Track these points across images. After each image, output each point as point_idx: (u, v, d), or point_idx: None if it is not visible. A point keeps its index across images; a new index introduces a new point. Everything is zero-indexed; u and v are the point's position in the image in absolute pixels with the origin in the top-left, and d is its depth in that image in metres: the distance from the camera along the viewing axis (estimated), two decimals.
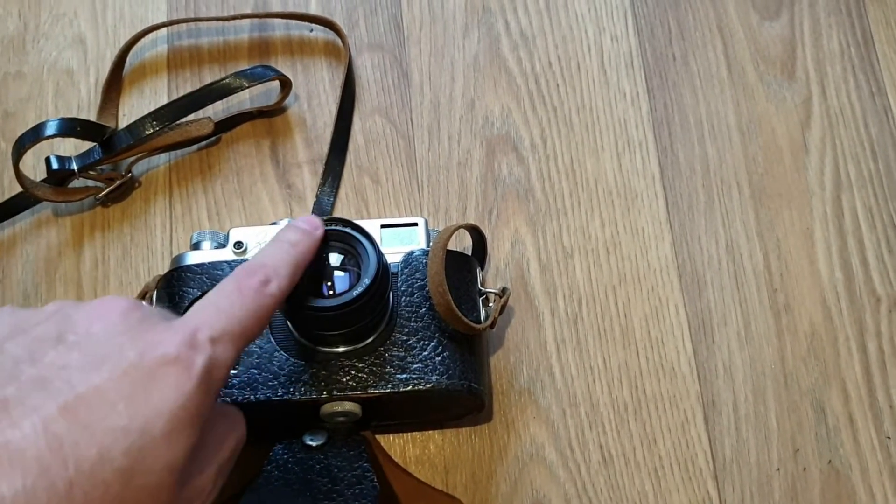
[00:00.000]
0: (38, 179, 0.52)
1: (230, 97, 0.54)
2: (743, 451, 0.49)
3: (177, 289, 0.45)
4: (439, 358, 0.43)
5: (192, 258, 0.46)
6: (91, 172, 0.52)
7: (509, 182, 0.54)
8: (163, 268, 0.51)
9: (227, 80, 0.53)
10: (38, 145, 0.51)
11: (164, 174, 0.54)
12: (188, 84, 0.56)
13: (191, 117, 0.53)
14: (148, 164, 0.55)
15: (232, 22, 0.57)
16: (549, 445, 0.49)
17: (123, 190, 0.53)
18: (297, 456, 0.44)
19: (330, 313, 0.40)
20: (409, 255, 0.45)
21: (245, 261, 0.45)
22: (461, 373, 0.44)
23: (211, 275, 0.45)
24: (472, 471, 0.48)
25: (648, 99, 0.56)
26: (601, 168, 0.54)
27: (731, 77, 0.56)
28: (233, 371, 0.42)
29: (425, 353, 0.43)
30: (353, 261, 0.41)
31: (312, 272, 0.40)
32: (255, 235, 0.46)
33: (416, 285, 0.45)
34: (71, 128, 0.51)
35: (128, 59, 0.56)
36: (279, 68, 0.55)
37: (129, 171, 0.53)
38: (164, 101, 0.55)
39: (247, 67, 0.54)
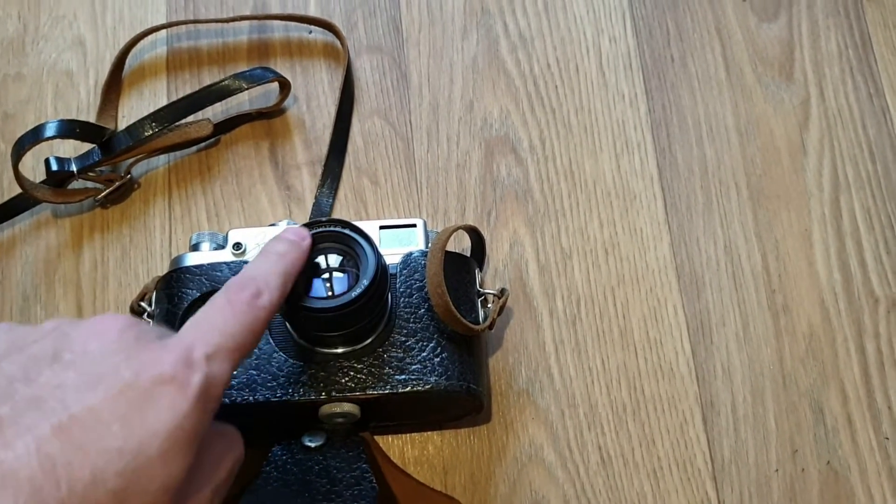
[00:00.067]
0: (38, 181, 0.52)
1: (229, 99, 0.54)
2: (741, 452, 0.49)
3: (176, 290, 0.45)
4: (438, 359, 0.43)
5: (192, 259, 0.46)
6: (90, 174, 0.52)
7: (508, 183, 0.54)
8: (162, 269, 0.51)
9: (227, 82, 0.53)
10: (37, 147, 0.51)
11: (164, 175, 0.55)
12: (187, 86, 0.56)
13: (190, 119, 0.53)
14: (147, 166, 0.55)
15: (231, 24, 0.57)
16: (547, 446, 0.49)
17: (123, 191, 0.54)
18: (295, 457, 0.44)
19: (328, 314, 0.40)
20: (408, 257, 0.45)
21: (244, 262, 0.45)
22: (460, 374, 0.44)
23: (210, 276, 0.45)
24: (470, 472, 0.48)
25: (647, 100, 0.56)
26: (600, 169, 0.54)
27: (730, 78, 0.56)
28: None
29: (424, 354, 0.43)
30: (351, 262, 0.41)
31: (310, 275, 0.40)
32: (254, 237, 0.46)
33: (414, 286, 0.45)
34: (70, 129, 0.51)
35: (127, 61, 0.56)
36: (278, 70, 0.55)
37: (129, 173, 0.53)
38: (163, 102, 0.55)
39: (246, 69, 0.54)
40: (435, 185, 0.54)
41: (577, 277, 0.52)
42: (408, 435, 0.49)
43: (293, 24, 0.58)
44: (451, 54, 0.57)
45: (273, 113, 0.56)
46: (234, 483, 0.36)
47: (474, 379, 0.45)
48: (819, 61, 0.57)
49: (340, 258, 0.41)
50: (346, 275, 0.41)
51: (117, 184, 0.53)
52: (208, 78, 0.56)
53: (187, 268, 0.45)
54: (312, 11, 0.58)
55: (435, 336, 0.44)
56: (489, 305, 0.47)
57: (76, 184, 0.53)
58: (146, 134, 0.52)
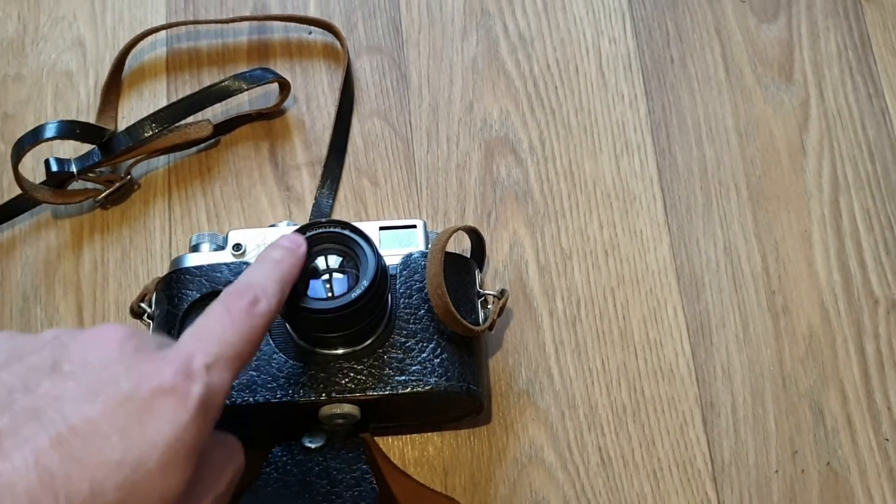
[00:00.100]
0: (38, 182, 0.52)
1: (229, 99, 0.54)
2: (741, 453, 0.49)
3: (176, 291, 0.45)
4: (438, 360, 0.43)
5: (191, 260, 0.46)
6: (90, 175, 0.52)
7: (508, 184, 0.54)
8: (162, 270, 0.51)
9: (226, 83, 0.53)
10: (37, 147, 0.51)
11: (164, 176, 0.55)
12: (187, 86, 0.56)
13: (190, 120, 0.53)
14: (147, 167, 0.55)
15: (231, 24, 0.57)
16: (547, 447, 0.49)
17: (122, 192, 0.54)
18: (295, 458, 0.44)
19: (328, 315, 0.40)
20: (408, 258, 0.45)
21: (244, 263, 0.45)
22: (460, 375, 0.44)
23: (210, 277, 0.45)
24: (470, 473, 0.48)
25: (646, 101, 0.56)
26: (599, 170, 0.54)
27: (729, 79, 0.56)
28: None
29: (424, 355, 0.43)
30: (351, 263, 0.41)
31: (310, 276, 0.40)
32: (254, 237, 0.46)
33: (414, 287, 0.45)
34: (70, 130, 0.51)
35: (127, 62, 0.56)
36: (278, 71, 0.55)
37: (129, 174, 0.53)
38: (163, 103, 0.55)
39: (246, 70, 0.54)
40: (435, 186, 0.54)
41: (577, 278, 0.52)
42: (408, 436, 0.49)
43: (293, 24, 0.58)
44: (450, 55, 0.57)
45: (273, 114, 0.56)
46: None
47: (474, 380, 0.45)
48: (818, 62, 0.57)
49: (340, 259, 0.41)
50: (345, 276, 0.41)
51: (117, 185, 0.53)
52: (208, 79, 0.56)
53: (187, 269, 0.45)
54: (312, 12, 0.58)
55: (435, 337, 0.44)
56: (489, 306, 0.47)
57: (76, 185, 0.53)
58: (146, 135, 0.52)
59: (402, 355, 0.43)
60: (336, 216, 0.53)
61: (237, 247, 0.46)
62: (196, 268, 0.45)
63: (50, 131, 0.50)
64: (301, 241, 0.39)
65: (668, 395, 0.50)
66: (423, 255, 0.45)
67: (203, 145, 0.55)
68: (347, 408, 0.43)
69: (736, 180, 0.54)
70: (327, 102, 0.56)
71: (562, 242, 0.53)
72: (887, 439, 0.49)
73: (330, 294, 0.40)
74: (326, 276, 0.41)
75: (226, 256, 0.46)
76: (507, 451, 0.49)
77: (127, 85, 0.57)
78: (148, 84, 0.57)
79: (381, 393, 0.43)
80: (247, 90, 0.53)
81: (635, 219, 0.53)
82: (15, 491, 0.27)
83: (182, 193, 0.54)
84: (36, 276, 0.52)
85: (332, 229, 0.41)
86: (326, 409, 0.43)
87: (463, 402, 0.45)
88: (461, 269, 0.46)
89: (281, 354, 0.43)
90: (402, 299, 0.44)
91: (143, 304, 0.46)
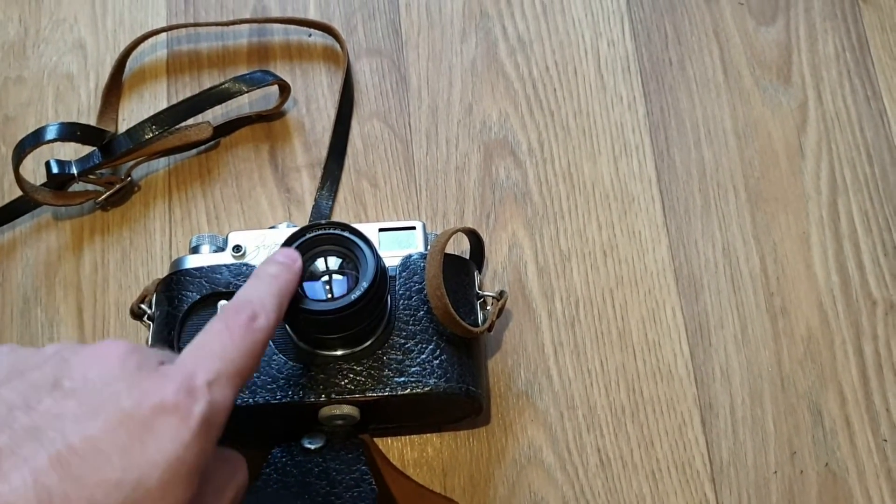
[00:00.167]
0: (38, 183, 0.53)
1: (229, 102, 0.54)
2: (740, 454, 0.49)
3: (176, 292, 0.45)
4: (437, 361, 0.44)
5: (192, 262, 0.46)
6: (91, 176, 0.52)
7: (507, 186, 0.54)
8: (162, 271, 0.51)
9: (227, 85, 0.53)
10: (38, 149, 0.51)
11: (164, 178, 0.55)
12: (187, 89, 0.56)
13: (190, 122, 0.53)
14: (147, 169, 0.55)
15: (231, 27, 0.57)
16: (546, 448, 0.49)
17: (123, 194, 0.54)
18: (295, 459, 0.44)
19: (328, 317, 0.40)
20: (407, 259, 0.45)
21: (244, 264, 0.45)
22: (459, 376, 0.44)
23: (210, 278, 0.45)
24: (470, 474, 0.48)
25: (645, 103, 0.56)
26: (598, 172, 0.54)
27: (728, 81, 0.57)
28: None
29: (423, 356, 0.44)
30: (351, 264, 0.41)
31: (310, 277, 0.40)
32: (254, 239, 0.46)
33: (414, 289, 0.45)
34: (71, 132, 0.51)
35: (127, 64, 0.57)
36: (278, 73, 0.55)
37: (129, 176, 0.53)
38: (163, 105, 0.55)
39: (246, 72, 0.54)
40: (434, 188, 0.54)
41: (576, 279, 0.52)
42: (407, 437, 0.49)
43: (293, 27, 0.58)
44: (450, 57, 0.57)
45: (273, 116, 0.56)
46: None
47: (473, 381, 0.45)
48: (817, 64, 0.57)
49: (340, 261, 0.41)
50: (345, 277, 0.41)
51: (118, 186, 0.53)
52: (208, 81, 0.56)
53: (187, 270, 0.45)
54: (312, 15, 0.58)
55: (434, 338, 0.44)
56: (488, 308, 0.47)
57: (77, 186, 0.53)
58: (146, 137, 0.52)
59: (401, 356, 0.43)
60: (336, 218, 0.53)
61: (237, 248, 0.46)
62: (196, 269, 0.45)
63: (51, 133, 0.50)
64: (296, 255, 0.39)
65: (666, 396, 0.50)
66: (423, 256, 0.45)
67: (203, 147, 0.55)
68: (347, 409, 0.43)
69: (734, 182, 0.54)
70: (327, 104, 0.56)
71: (560, 244, 0.53)
72: (885, 440, 0.49)
73: (329, 296, 0.40)
74: (326, 278, 0.41)
75: (226, 258, 0.46)
76: (506, 452, 0.49)
77: (127, 87, 0.57)
78: (148, 86, 0.57)
79: (380, 394, 0.43)
80: (247, 92, 0.54)
81: (634, 220, 0.53)
82: None
83: (182, 195, 0.54)
84: (36, 277, 0.52)
85: (331, 231, 0.41)
86: (326, 410, 0.43)
87: (462, 404, 0.45)
88: (460, 270, 0.46)
89: (281, 356, 0.43)
90: (402, 301, 0.44)
91: (143, 306, 0.46)
